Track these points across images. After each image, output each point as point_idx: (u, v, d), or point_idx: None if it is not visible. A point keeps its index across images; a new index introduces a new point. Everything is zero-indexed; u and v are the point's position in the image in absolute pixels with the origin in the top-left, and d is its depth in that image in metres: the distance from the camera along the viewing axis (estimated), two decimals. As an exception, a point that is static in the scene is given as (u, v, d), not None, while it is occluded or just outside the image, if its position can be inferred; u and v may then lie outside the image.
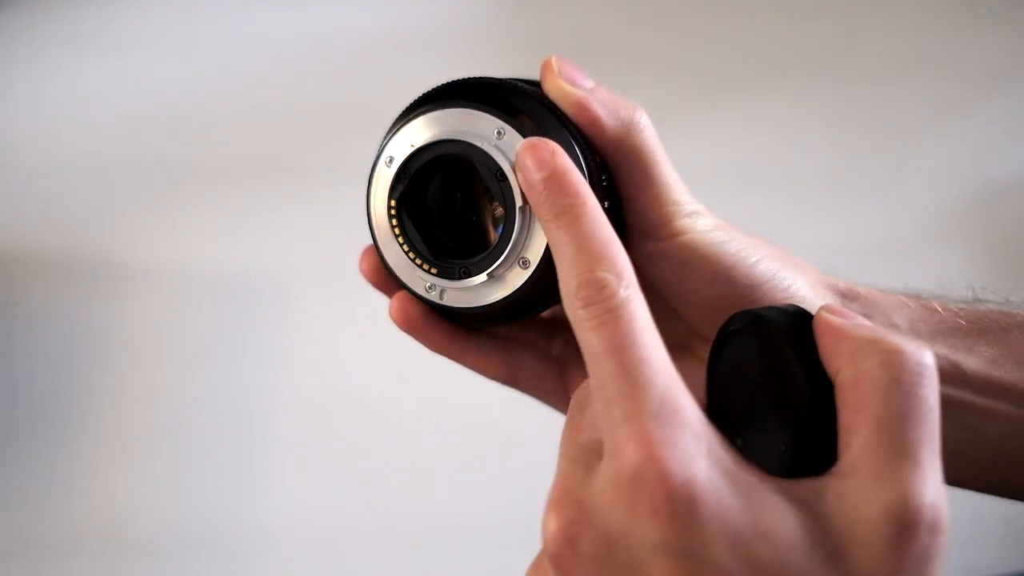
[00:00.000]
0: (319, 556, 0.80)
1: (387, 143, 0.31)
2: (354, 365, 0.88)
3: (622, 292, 0.25)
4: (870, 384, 0.24)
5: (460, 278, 0.31)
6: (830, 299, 0.34)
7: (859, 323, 0.26)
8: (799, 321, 0.27)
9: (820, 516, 0.23)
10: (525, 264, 0.30)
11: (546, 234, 0.27)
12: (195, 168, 0.98)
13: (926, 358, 0.24)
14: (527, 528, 0.89)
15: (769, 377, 0.26)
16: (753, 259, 0.32)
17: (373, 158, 0.33)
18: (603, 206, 0.30)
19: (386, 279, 0.34)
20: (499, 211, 0.30)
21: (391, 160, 0.31)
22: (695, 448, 0.23)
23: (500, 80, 0.31)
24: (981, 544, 0.80)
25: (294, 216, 0.96)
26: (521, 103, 0.31)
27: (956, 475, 0.28)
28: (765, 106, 1.08)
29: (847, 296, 0.34)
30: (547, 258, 0.29)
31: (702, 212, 0.33)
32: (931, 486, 0.23)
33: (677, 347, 0.32)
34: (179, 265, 0.93)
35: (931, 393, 0.24)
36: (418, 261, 0.31)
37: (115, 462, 0.83)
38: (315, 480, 0.83)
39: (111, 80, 1.03)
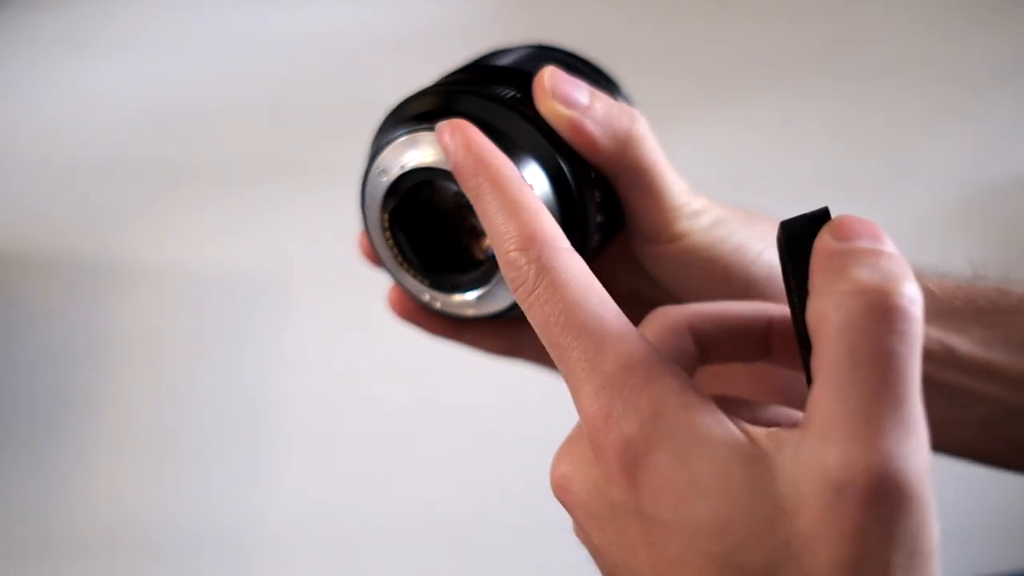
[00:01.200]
0: (319, 556, 0.80)
1: (379, 152, 0.31)
2: (354, 365, 0.88)
3: (536, 266, 0.25)
4: (825, 329, 0.22)
5: (452, 292, 0.32)
6: None
7: (848, 247, 0.23)
8: (812, 231, 0.24)
9: (773, 469, 0.22)
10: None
11: (475, 208, 0.27)
12: (195, 168, 0.98)
13: (896, 299, 0.21)
14: (527, 528, 0.90)
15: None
16: (753, 254, 0.32)
17: (366, 158, 0.33)
18: (596, 220, 0.31)
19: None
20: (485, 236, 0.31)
21: (383, 172, 0.31)
22: (634, 406, 0.23)
23: (492, 94, 0.31)
24: (981, 543, 0.80)
25: (294, 216, 0.96)
26: (509, 127, 0.30)
27: (940, 442, 0.28)
28: (765, 106, 1.08)
29: None
30: None
31: (703, 210, 0.33)
32: (882, 449, 0.20)
33: None
34: (179, 265, 0.93)
35: (898, 342, 0.21)
36: (411, 272, 0.32)
37: (115, 462, 0.83)
38: (315, 480, 0.83)
39: (111, 80, 1.03)
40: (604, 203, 0.32)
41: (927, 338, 0.31)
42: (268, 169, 0.99)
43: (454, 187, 0.30)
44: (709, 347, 0.28)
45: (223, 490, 0.83)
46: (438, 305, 0.32)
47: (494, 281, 0.31)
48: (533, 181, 0.30)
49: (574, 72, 0.33)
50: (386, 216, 0.31)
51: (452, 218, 0.32)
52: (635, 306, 0.35)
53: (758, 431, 0.23)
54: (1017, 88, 1.10)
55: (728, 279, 0.32)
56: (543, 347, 0.36)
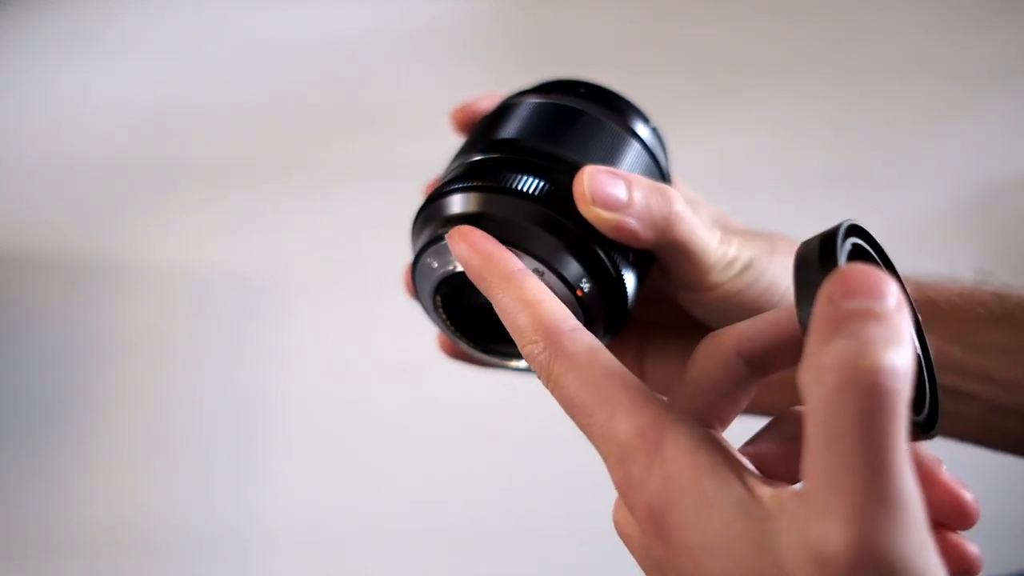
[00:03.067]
0: (319, 556, 0.80)
1: (427, 247, 0.33)
2: (354, 365, 0.88)
3: (547, 355, 0.27)
4: (809, 399, 0.22)
5: (501, 358, 0.35)
6: None
7: (840, 311, 0.22)
8: (825, 267, 0.25)
9: (775, 532, 0.22)
10: None
11: (490, 300, 0.30)
12: (195, 168, 0.98)
13: (872, 376, 0.21)
14: (526, 528, 0.90)
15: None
16: (780, 292, 0.35)
17: (414, 242, 0.35)
18: (635, 289, 0.33)
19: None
20: None
21: (433, 263, 0.33)
22: (648, 471, 0.25)
23: (529, 195, 0.32)
24: (981, 543, 0.80)
25: (294, 216, 0.96)
26: (548, 224, 0.32)
27: (947, 431, 0.30)
28: (766, 106, 1.08)
29: None
30: None
31: (736, 258, 0.34)
32: (861, 525, 0.20)
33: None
34: (179, 265, 0.93)
35: (873, 418, 0.20)
36: (463, 339, 0.35)
37: (115, 462, 0.83)
38: (315, 480, 0.83)
39: (111, 80, 1.03)
40: (636, 260, 0.33)
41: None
42: (268, 169, 0.99)
43: None
44: (765, 362, 0.28)
45: (223, 490, 0.83)
46: (488, 360, 0.36)
47: None
48: (573, 276, 0.32)
49: (590, 103, 0.34)
50: (439, 298, 0.34)
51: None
52: (666, 305, 0.37)
53: (765, 491, 0.24)
54: (1017, 88, 1.10)
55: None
56: None
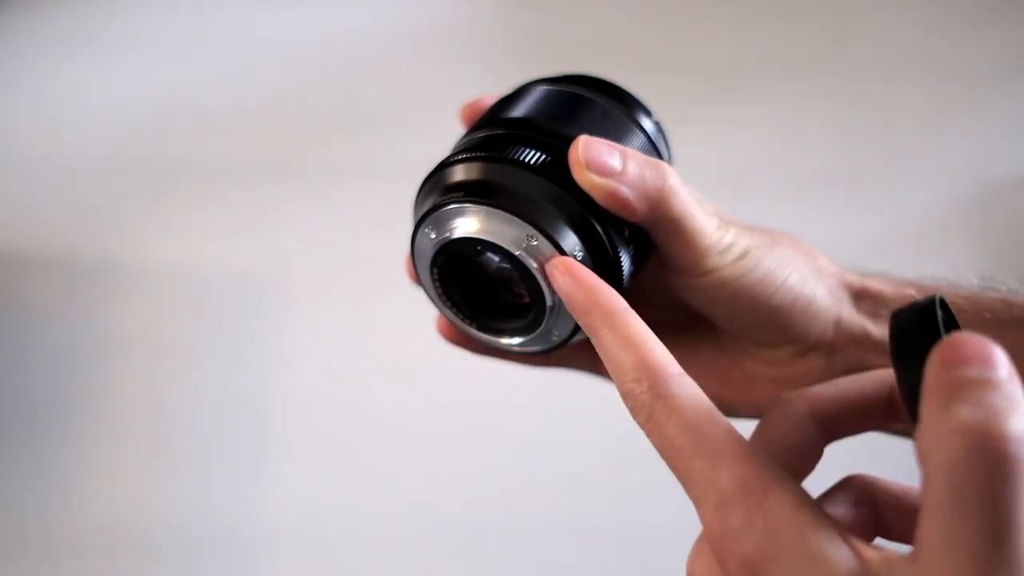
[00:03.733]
0: (319, 556, 0.80)
1: (427, 216, 0.33)
2: (354, 365, 0.88)
3: (651, 395, 0.27)
4: (930, 465, 0.22)
5: (496, 335, 0.35)
6: (846, 301, 0.36)
7: (954, 378, 0.23)
8: (928, 337, 0.26)
9: None
10: (556, 335, 0.34)
11: (589, 335, 0.30)
12: (195, 168, 0.98)
13: (997, 443, 0.21)
14: (526, 528, 0.90)
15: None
16: (778, 282, 0.35)
17: (415, 214, 0.35)
18: (630, 268, 0.33)
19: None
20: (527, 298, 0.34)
21: (430, 233, 0.34)
22: (750, 523, 0.25)
23: (529, 164, 0.33)
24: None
25: (294, 216, 0.96)
26: (548, 198, 0.33)
27: None
28: (765, 106, 1.08)
29: (860, 295, 0.37)
30: (574, 330, 0.34)
31: (732, 243, 0.34)
32: None
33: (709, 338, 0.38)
34: (179, 265, 0.93)
35: (1000, 484, 0.21)
36: (459, 316, 0.35)
37: (115, 462, 0.83)
38: (315, 480, 0.83)
39: (111, 80, 1.03)
40: (633, 237, 0.34)
41: None
42: (268, 169, 0.99)
43: (497, 259, 0.33)
44: (835, 425, 0.29)
45: (223, 490, 0.83)
46: (484, 339, 0.36)
47: (538, 331, 0.34)
48: (569, 246, 0.32)
49: (598, 93, 0.35)
50: (436, 270, 0.34)
51: (496, 279, 0.35)
52: (665, 305, 0.37)
53: (870, 553, 0.24)
54: (1017, 88, 1.10)
55: (754, 308, 0.35)
56: (585, 352, 0.37)
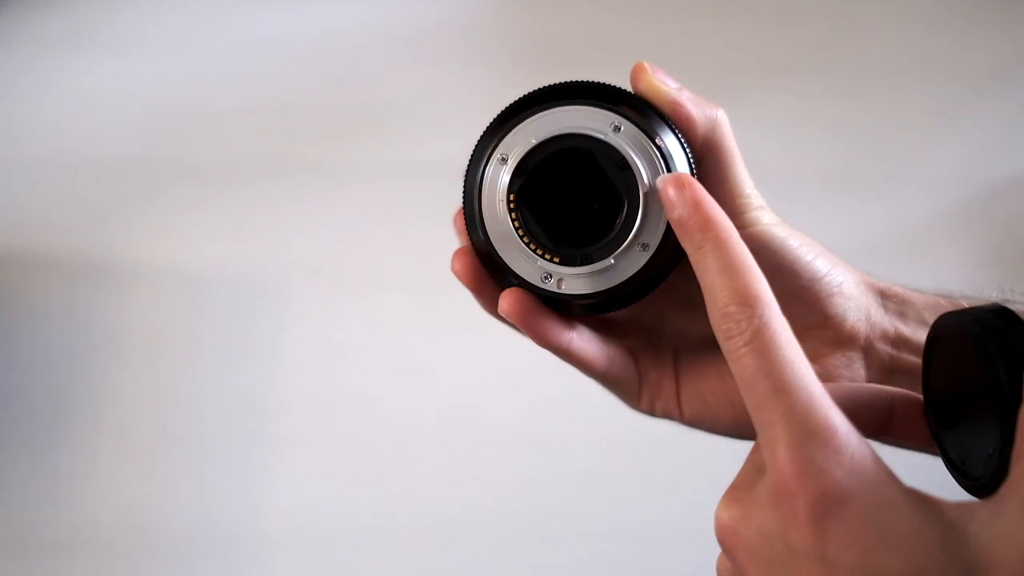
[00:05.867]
0: (319, 556, 0.80)
1: (498, 142, 0.33)
2: (354, 365, 0.88)
3: (757, 322, 0.27)
4: None
5: (582, 264, 0.33)
6: (872, 297, 0.37)
7: None
8: (1009, 325, 0.27)
9: (965, 533, 0.24)
10: (645, 248, 0.32)
11: (691, 259, 0.29)
12: (195, 168, 0.98)
13: None
14: (526, 528, 0.90)
15: (981, 383, 0.27)
16: (810, 256, 0.35)
17: (473, 161, 0.34)
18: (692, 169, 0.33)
19: (481, 279, 0.35)
20: (616, 201, 0.33)
21: (504, 158, 0.33)
22: (835, 461, 0.25)
23: (597, 83, 0.33)
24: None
25: (295, 216, 0.96)
26: (624, 101, 0.33)
27: None
28: (765, 106, 1.08)
29: (884, 295, 0.37)
30: (664, 240, 0.32)
31: (766, 207, 0.36)
32: None
33: None
34: (179, 265, 0.93)
35: None
36: (539, 251, 0.33)
37: (114, 462, 0.83)
38: (315, 480, 0.83)
39: (112, 80, 1.03)
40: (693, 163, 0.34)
41: None
42: (268, 169, 0.99)
43: (581, 157, 0.32)
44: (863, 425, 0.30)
45: (223, 490, 0.83)
46: (562, 287, 0.33)
47: (627, 242, 0.32)
48: (665, 145, 0.32)
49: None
50: (512, 196, 0.32)
51: (578, 192, 0.33)
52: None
53: (947, 502, 0.25)
54: (1017, 88, 1.10)
55: (795, 271, 0.35)
56: (626, 369, 0.37)
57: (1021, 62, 1.11)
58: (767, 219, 0.35)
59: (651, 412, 0.38)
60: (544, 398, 0.84)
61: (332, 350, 0.89)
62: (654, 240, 0.32)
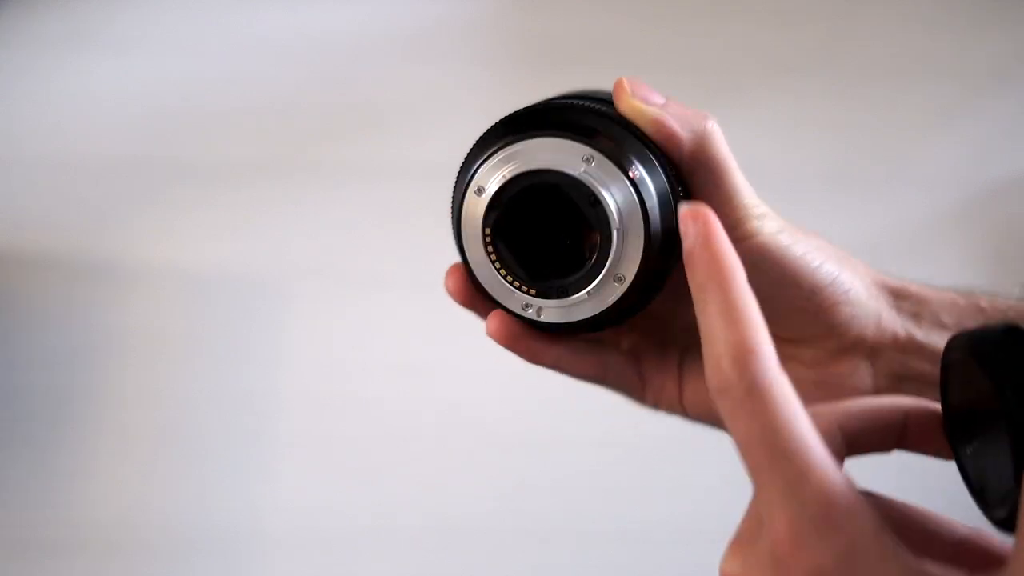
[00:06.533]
0: (319, 556, 0.80)
1: (474, 173, 0.33)
2: (354, 365, 0.88)
3: (749, 379, 0.25)
4: None
5: (558, 297, 0.33)
6: (884, 300, 0.36)
7: None
8: (1018, 343, 0.26)
9: None
10: (620, 280, 0.32)
11: (693, 298, 0.28)
12: (195, 168, 0.98)
13: None
14: (526, 528, 0.90)
15: (994, 405, 0.26)
16: (816, 263, 0.34)
17: (456, 187, 0.34)
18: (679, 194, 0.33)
19: (473, 297, 0.35)
20: (591, 234, 0.33)
21: (480, 190, 0.32)
22: (831, 541, 0.24)
23: (572, 103, 0.33)
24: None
25: (294, 216, 0.96)
26: (600, 126, 0.32)
27: None
28: (765, 106, 1.08)
29: (898, 295, 0.36)
30: (640, 273, 0.32)
31: (769, 215, 0.34)
32: None
33: None
34: (179, 265, 0.93)
35: None
36: (516, 284, 0.33)
37: (114, 462, 0.83)
38: (315, 480, 0.83)
39: (112, 80, 1.03)
40: (680, 190, 0.34)
41: None
42: (268, 169, 0.99)
43: (554, 191, 0.31)
44: (854, 441, 0.29)
45: (223, 490, 0.83)
46: (541, 316, 0.34)
47: (602, 275, 0.32)
48: (630, 165, 0.31)
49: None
50: (488, 231, 0.32)
51: (552, 226, 0.33)
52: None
53: (952, 574, 0.24)
54: (1017, 88, 1.10)
55: (797, 282, 0.34)
56: (625, 373, 0.37)
57: (1021, 62, 1.11)
58: (769, 227, 0.34)
59: (656, 408, 0.38)
60: (544, 398, 0.84)
61: (332, 350, 0.89)
62: (629, 273, 0.32)
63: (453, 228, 0.34)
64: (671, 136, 0.32)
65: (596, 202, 0.31)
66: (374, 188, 0.95)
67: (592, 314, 0.33)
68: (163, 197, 0.97)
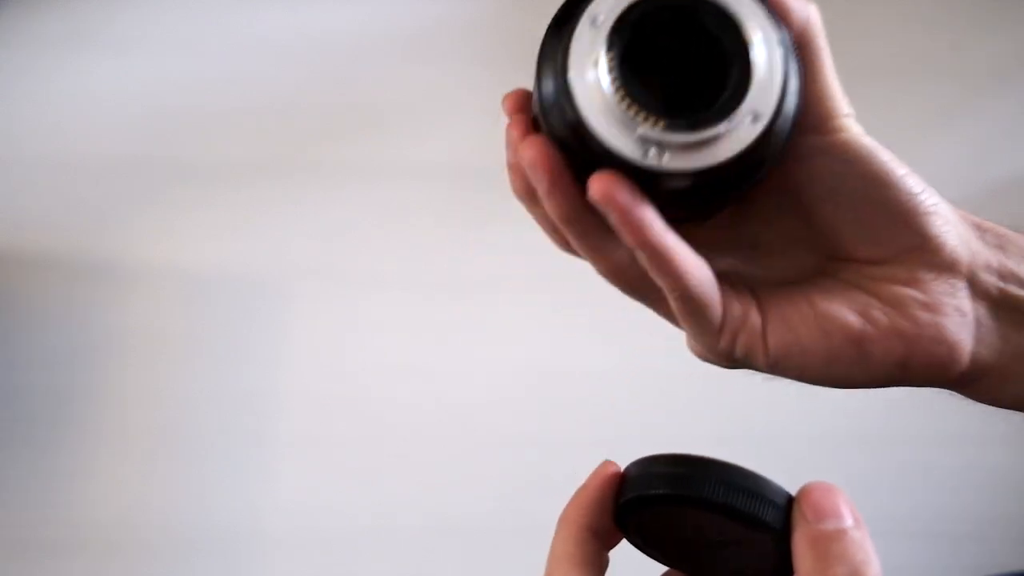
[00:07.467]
0: (319, 556, 0.80)
1: (585, 6, 0.29)
2: (353, 365, 0.88)
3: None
4: None
5: (689, 130, 0.28)
6: (965, 228, 0.34)
7: (823, 532, 0.27)
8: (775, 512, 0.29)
9: None
10: (756, 118, 0.29)
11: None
12: (195, 168, 0.98)
13: None
14: (525, 528, 0.89)
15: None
16: (903, 171, 0.32)
17: (553, 29, 0.31)
18: (798, 82, 0.30)
19: (560, 165, 0.29)
20: (724, 62, 0.29)
21: (596, 20, 0.29)
22: None
23: None
24: (980, 543, 0.80)
25: (294, 216, 0.96)
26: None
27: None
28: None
29: (980, 228, 0.35)
30: (777, 110, 0.29)
31: (854, 117, 0.33)
32: None
33: (812, 274, 0.33)
34: (179, 265, 0.93)
35: None
36: (643, 115, 0.28)
37: (114, 462, 0.83)
38: (315, 480, 0.83)
39: (112, 80, 1.03)
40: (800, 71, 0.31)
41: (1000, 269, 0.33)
42: (268, 169, 0.99)
43: (680, 17, 0.28)
44: (608, 529, 0.32)
45: (223, 490, 0.83)
46: (663, 161, 0.28)
47: (739, 110, 0.28)
48: (775, 20, 0.29)
49: None
50: (610, 56, 0.28)
51: (679, 55, 0.30)
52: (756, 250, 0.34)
53: None
54: (1017, 88, 1.10)
55: (889, 182, 0.32)
56: (711, 295, 0.32)
57: (1021, 62, 1.11)
58: (856, 128, 0.32)
59: (731, 350, 0.33)
60: (544, 398, 0.84)
61: (332, 350, 0.89)
62: (767, 110, 0.29)
63: (543, 83, 0.30)
64: (786, 9, 0.30)
65: (731, 23, 0.28)
66: (374, 188, 0.95)
67: (723, 159, 0.28)
68: (163, 197, 0.97)
